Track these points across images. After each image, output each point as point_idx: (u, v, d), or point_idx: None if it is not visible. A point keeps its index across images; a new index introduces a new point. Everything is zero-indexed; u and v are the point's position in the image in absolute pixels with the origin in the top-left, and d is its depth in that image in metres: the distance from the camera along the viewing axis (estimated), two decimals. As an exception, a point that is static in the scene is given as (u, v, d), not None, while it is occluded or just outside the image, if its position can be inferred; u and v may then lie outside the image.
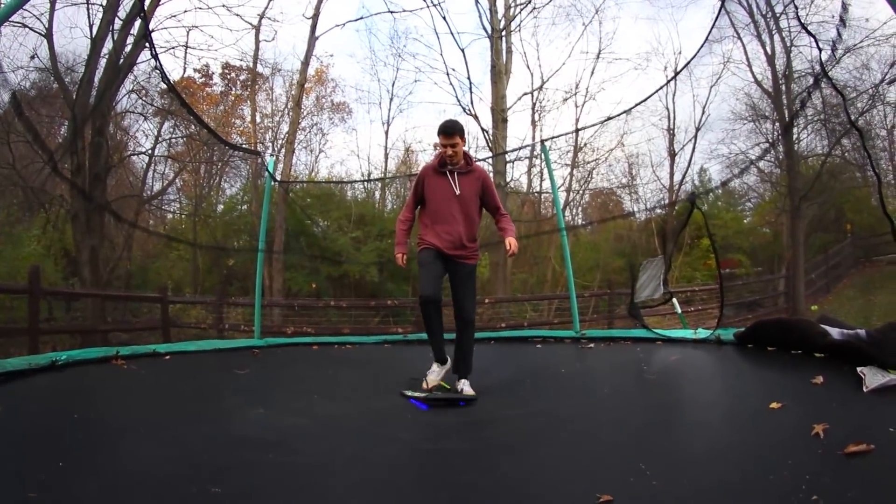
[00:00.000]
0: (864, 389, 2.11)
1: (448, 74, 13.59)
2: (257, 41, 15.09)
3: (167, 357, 4.03)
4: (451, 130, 3.09)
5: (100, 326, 8.41)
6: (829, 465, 1.45)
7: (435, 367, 3.28)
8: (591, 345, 4.55)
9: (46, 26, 9.80)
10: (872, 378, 2.15)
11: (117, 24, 9.67)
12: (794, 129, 12.38)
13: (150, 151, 14.07)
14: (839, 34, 2.68)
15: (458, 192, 3.14)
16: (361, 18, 15.96)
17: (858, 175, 13.54)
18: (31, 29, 9.64)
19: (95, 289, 9.24)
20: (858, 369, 2.28)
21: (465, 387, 3.07)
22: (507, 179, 12.23)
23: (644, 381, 3.13)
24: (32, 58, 10.00)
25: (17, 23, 9.11)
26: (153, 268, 14.74)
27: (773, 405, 2.03)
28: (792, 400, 2.09)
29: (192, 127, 12.74)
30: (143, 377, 3.33)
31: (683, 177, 15.47)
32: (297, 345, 5.30)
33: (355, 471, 1.76)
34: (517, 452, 1.96)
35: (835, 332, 2.87)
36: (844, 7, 2.57)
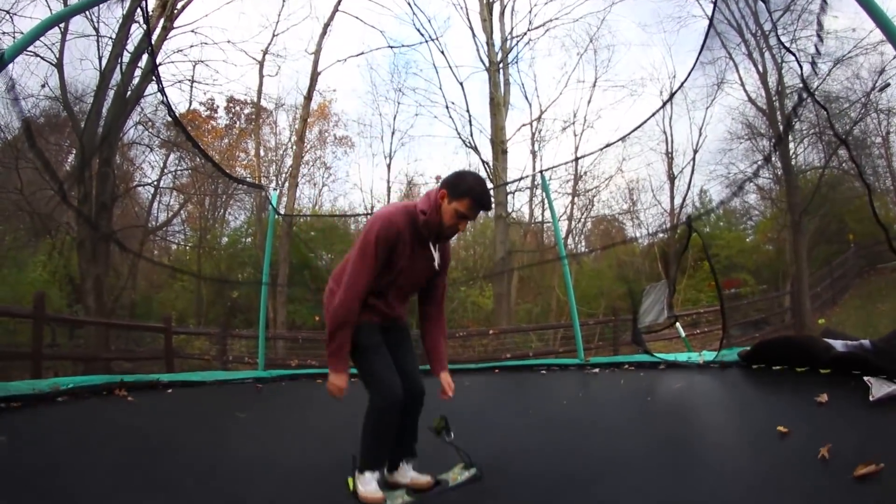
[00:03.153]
0: (871, 398, 2.09)
1: (448, 108, 13.89)
2: (261, 76, 15.54)
3: (170, 391, 4.00)
4: (489, 206, 2.11)
5: (103, 354, 8.39)
6: (838, 489, 1.43)
7: (371, 476, 2.02)
8: (597, 370, 4.51)
9: (57, 56, 10.08)
10: (879, 388, 2.15)
11: (126, 56, 9.97)
12: (791, 144, 12.50)
13: (155, 182, 14.33)
14: (817, 50, 2.74)
15: (437, 267, 2.17)
16: (362, 54, 16.33)
17: (857, 185, 13.61)
18: (42, 58, 9.92)
19: (99, 317, 9.25)
20: (865, 378, 2.28)
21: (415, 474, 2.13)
22: (509, 210, 12.32)
23: (649, 408, 3.10)
24: (43, 86, 10.30)
25: (30, 52, 9.33)
26: (157, 298, 14.80)
27: (781, 429, 2.01)
28: (799, 422, 2.07)
29: (198, 159, 12.97)
30: (143, 412, 3.30)
31: (684, 199, 15.57)
32: (300, 377, 5.26)
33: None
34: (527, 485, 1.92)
35: (839, 345, 2.86)
36: (820, 24, 2.64)
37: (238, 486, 2.06)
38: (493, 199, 2.30)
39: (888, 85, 11.33)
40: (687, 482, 1.72)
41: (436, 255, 2.12)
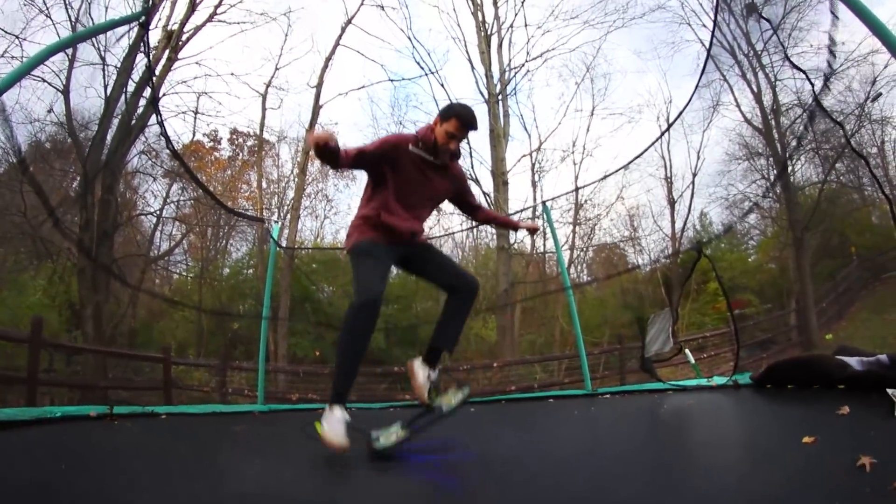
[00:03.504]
0: None
1: (448, 141, 13.93)
2: (264, 108, 15.76)
3: (164, 416, 3.90)
4: (475, 125, 2.48)
5: (100, 383, 8.25)
6: (877, 499, 1.35)
7: (338, 411, 2.16)
8: (608, 395, 4.41)
9: (64, 83, 10.23)
10: (902, 401, 2.06)
11: (131, 86, 10.14)
12: (788, 162, 12.58)
13: (157, 212, 14.39)
14: (830, 65, 2.72)
15: (432, 185, 2.49)
16: (363, 87, 16.54)
17: (856, 197, 13.65)
18: (49, 84, 10.09)
19: (98, 344, 9.15)
20: (889, 391, 2.19)
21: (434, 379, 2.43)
22: (511, 241, 12.34)
23: (666, 429, 3.00)
24: (49, 111, 10.50)
25: (37, 76, 9.53)
26: (157, 327, 14.71)
27: (807, 440, 1.93)
28: (824, 433, 1.98)
29: (200, 190, 13.06)
30: (134, 435, 3.20)
31: (685, 223, 15.62)
32: (300, 411, 5.12)
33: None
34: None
35: (854, 362, 2.76)
36: (832, 39, 2.63)
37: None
38: (476, 119, 2.50)
39: (880, 94, 11.47)
40: (717, 489, 1.64)
41: (432, 175, 2.46)
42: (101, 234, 9.74)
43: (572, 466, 2.32)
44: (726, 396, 3.52)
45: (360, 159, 2.31)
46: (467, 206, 2.78)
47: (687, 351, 4.72)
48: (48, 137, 11.69)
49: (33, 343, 5.78)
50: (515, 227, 3.04)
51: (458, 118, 2.37)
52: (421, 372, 2.43)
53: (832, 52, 2.72)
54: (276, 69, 15.85)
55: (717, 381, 4.09)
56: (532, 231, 3.06)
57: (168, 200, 14.55)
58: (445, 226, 16.56)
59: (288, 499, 1.97)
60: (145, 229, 15.11)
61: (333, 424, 2.08)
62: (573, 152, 15.87)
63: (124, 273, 12.01)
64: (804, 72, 2.93)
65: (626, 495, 1.82)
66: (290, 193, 15.95)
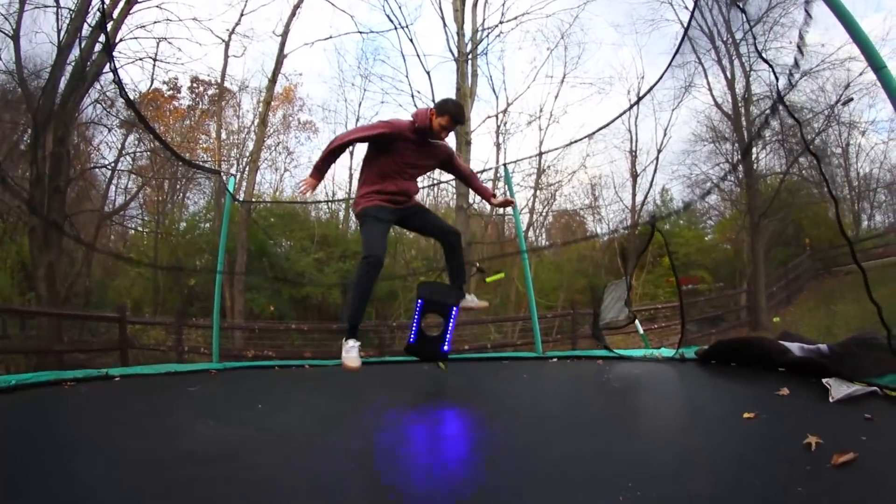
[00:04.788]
0: (830, 400, 2.15)
1: (413, 96, 13.72)
2: (226, 56, 14.99)
3: (117, 379, 3.85)
4: (463, 122, 3.31)
5: (55, 346, 8.03)
6: (818, 477, 1.44)
7: (353, 343, 2.97)
8: (555, 359, 4.56)
9: (14, 27, 9.49)
10: (838, 389, 2.20)
11: (86, 30, 9.46)
12: (754, 150, 12.93)
13: (112, 164, 13.70)
14: (796, 62, 2.78)
15: (423, 159, 3.18)
16: (330, 38, 15.90)
17: (815, 192, 14.20)
18: None
19: (52, 306, 8.83)
20: (824, 380, 2.34)
21: (474, 298, 3.41)
22: (471, 202, 12.36)
23: (611, 394, 3.12)
24: None
25: None
26: (112, 285, 14.21)
27: (747, 415, 2.05)
28: (763, 411, 2.11)
29: (157, 141, 12.47)
30: (89, 396, 3.18)
31: (645, 197, 15.91)
32: (256, 367, 5.11)
33: (304, 486, 1.69)
34: (488, 464, 1.90)
35: (795, 348, 2.89)
36: (801, 36, 2.68)
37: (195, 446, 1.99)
38: (463, 114, 3.15)
39: (851, 100, 11.86)
40: (654, 463, 1.72)
41: (422, 153, 3.12)
42: (52, 190, 9.24)
43: (516, 424, 2.46)
44: (671, 368, 3.69)
45: (359, 140, 3.08)
46: (458, 173, 3.44)
47: (637, 321, 4.88)
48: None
49: (-16, 309, 5.56)
50: (490, 200, 3.49)
51: (452, 116, 3.02)
52: (469, 299, 3.41)
53: (800, 50, 2.77)
54: (241, 15, 14.97)
55: (664, 352, 4.26)
56: (505, 205, 3.53)
57: (123, 152, 13.85)
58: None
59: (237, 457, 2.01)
60: (99, 183, 14.39)
61: (350, 352, 2.88)
62: (539, 117, 15.83)
63: (77, 230, 11.47)
64: (770, 65, 2.99)
65: (559, 455, 1.92)
66: (251, 145, 15.38)
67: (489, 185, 15.06)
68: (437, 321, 3.49)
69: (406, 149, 3.06)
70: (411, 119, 3.07)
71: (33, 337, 9.01)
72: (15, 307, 8.87)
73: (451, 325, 3.32)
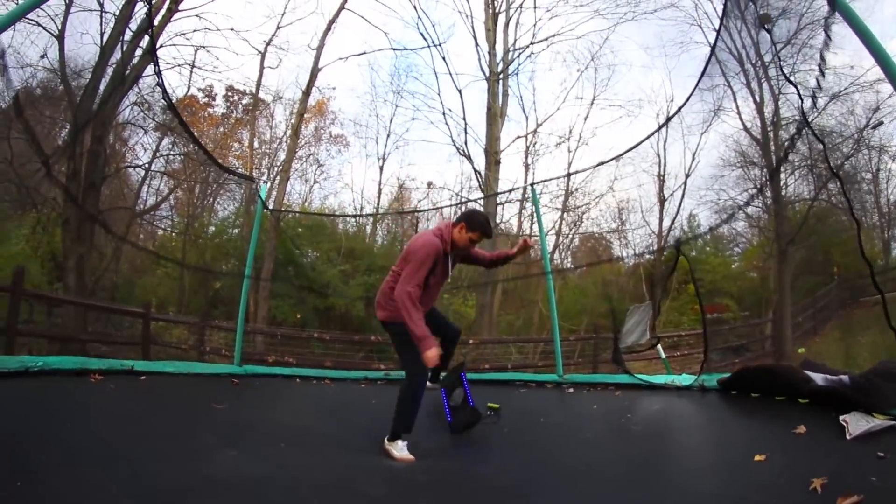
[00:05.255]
0: (848, 437, 2.09)
1: (444, 114, 13.88)
2: (262, 67, 15.37)
3: (143, 378, 3.91)
4: (491, 234, 3.24)
5: (79, 335, 8.22)
6: None
7: (402, 443, 2.95)
8: (571, 390, 4.47)
9: (60, 28, 9.85)
10: (856, 425, 2.14)
11: (128, 34, 9.84)
12: (782, 175, 12.66)
13: (146, 165, 14.13)
14: (818, 84, 2.74)
15: (449, 271, 3.23)
16: (364, 53, 16.17)
17: (845, 218, 13.79)
18: (44, 28, 9.70)
19: (79, 297, 9.07)
20: (840, 418, 2.27)
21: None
22: (498, 221, 12.38)
23: (627, 430, 3.08)
24: (42, 57, 10.07)
25: (32, 20, 9.18)
26: (139, 283, 14.56)
27: (758, 457, 2.01)
28: (775, 451, 2.06)
29: (190, 145, 12.83)
30: (115, 396, 3.23)
31: (672, 222, 15.66)
32: (276, 376, 5.13)
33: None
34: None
35: (818, 378, 2.85)
36: (823, 58, 2.64)
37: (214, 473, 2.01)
38: (491, 228, 3.21)
39: (881, 123, 11.54)
40: (656, 491, 1.69)
41: (450, 268, 3.22)
42: (87, 185, 9.56)
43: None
44: (690, 403, 3.59)
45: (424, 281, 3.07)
46: (477, 262, 3.55)
47: (659, 347, 4.81)
48: (39, 83, 11.33)
49: (14, 293, 5.75)
50: (512, 255, 3.55)
51: (483, 232, 3.14)
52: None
53: (822, 71, 2.74)
54: (278, 28, 15.40)
55: (685, 379, 4.16)
56: (524, 250, 3.52)
57: (158, 154, 14.28)
58: (434, 200, 16.70)
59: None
60: (133, 182, 14.85)
61: (403, 451, 2.89)
62: (569, 139, 15.78)
63: (109, 226, 11.83)
64: (796, 86, 2.95)
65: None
66: (282, 155, 15.70)
67: (517, 204, 15.00)
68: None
69: (440, 265, 3.12)
70: (438, 236, 3.09)
71: (59, 325, 9.23)
72: (44, 293, 9.14)
73: (465, 385, 3.49)
